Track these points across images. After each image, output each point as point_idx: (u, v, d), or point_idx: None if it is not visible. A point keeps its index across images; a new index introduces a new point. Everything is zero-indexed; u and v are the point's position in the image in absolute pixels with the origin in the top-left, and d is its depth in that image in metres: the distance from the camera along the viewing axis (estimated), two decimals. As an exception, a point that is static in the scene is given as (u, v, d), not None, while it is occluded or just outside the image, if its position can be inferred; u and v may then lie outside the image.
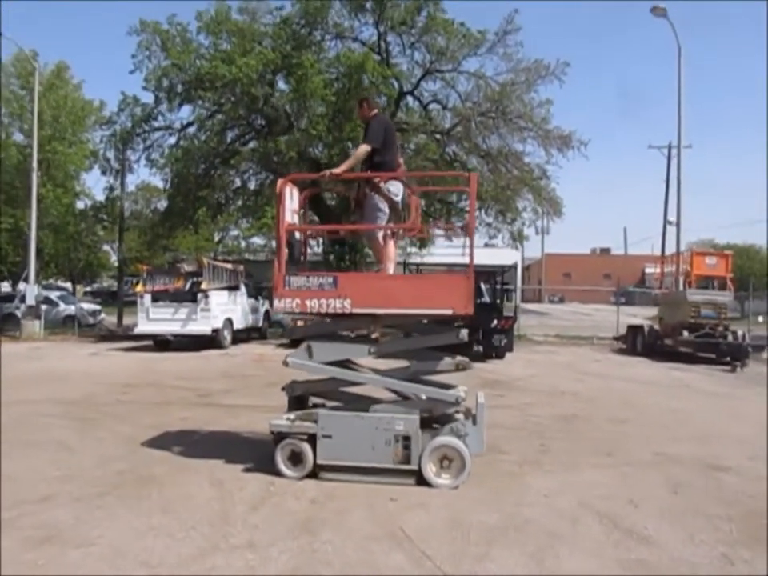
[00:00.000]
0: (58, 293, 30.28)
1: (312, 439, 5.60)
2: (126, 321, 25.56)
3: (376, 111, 6.42)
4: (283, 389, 6.07)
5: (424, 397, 5.74)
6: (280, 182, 5.83)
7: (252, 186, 25.03)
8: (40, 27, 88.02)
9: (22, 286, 27.48)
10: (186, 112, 23.56)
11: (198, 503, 5.04)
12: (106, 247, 49.97)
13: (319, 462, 5.58)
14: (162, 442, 6.99)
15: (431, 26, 21.28)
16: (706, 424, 8.61)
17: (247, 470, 5.85)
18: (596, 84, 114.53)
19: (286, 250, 5.72)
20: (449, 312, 5.47)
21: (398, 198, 6.11)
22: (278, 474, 5.61)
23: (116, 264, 55.96)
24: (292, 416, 5.66)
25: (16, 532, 4.42)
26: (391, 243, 6.15)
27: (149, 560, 3.99)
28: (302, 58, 19.48)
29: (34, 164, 23.00)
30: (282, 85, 22.17)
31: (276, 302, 5.73)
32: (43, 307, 23.17)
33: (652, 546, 4.29)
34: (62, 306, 26.89)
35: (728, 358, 15.55)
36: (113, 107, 25.50)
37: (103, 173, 25.18)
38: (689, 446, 7.13)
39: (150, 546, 4.20)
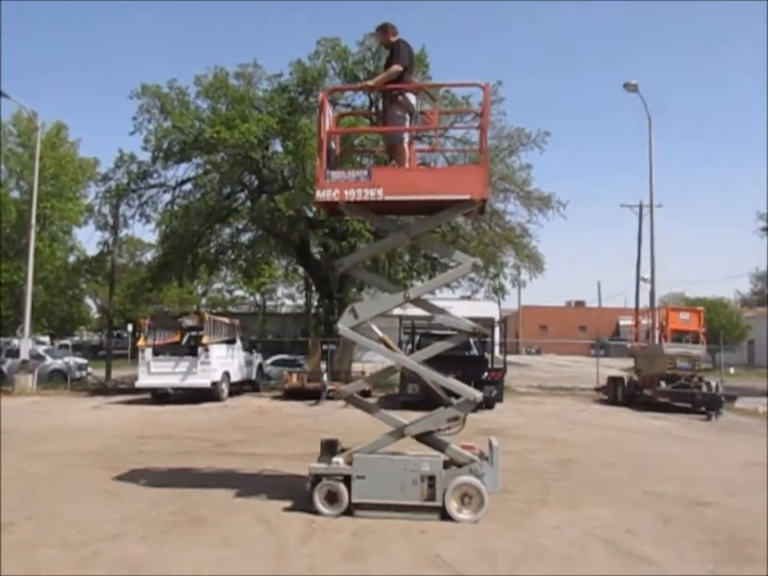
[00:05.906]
0: (43, 347, 30.44)
1: (347, 480, 6.32)
2: (114, 374, 25.83)
3: (399, 36, 7.20)
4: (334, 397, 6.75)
5: (454, 401, 6.60)
6: (321, 93, 6.98)
7: (243, 240, 25.98)
8: (37, 85, 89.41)
9: (6, 339, 27.66)
10: (180, 170, 24.48)
11: (251, 538, 5.70)
12: (87, 300, 49.99)
13: (354, 500, 6.29)
14: (200, 486, 7.57)
15: (418, 93, 22.72)
16: (686, 467, 9.44)
17: (287, 510, 6.51)
18: (574, 138, 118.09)
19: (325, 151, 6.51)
20: (467, 197, 6.28)
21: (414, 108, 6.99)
22: (316, 512, 6.29)
23: (96, 317, 56.04)
24: (338, 459, 6.38)
25: (103, 565, 5.05)
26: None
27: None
28: (300, 124, 20.64)
29: (32, 220, 23.54)
30: (277, 146, 23.36)
31: (318, 193, 6.43)
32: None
33: (652, 565, 5.09)
34: (49, 360, 27.01)
35: (703, 408, 16.49)
36: (107, 164, 26.45)
37: (98, 228, 25.98)
38: (673, 486, 7.95)
39: (226, 572, 4.88)
